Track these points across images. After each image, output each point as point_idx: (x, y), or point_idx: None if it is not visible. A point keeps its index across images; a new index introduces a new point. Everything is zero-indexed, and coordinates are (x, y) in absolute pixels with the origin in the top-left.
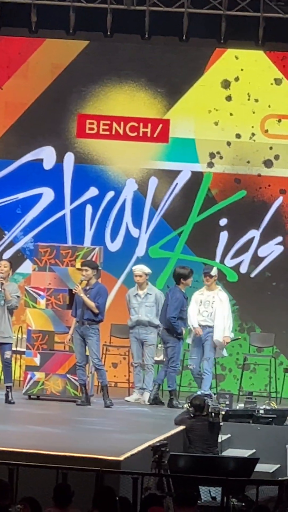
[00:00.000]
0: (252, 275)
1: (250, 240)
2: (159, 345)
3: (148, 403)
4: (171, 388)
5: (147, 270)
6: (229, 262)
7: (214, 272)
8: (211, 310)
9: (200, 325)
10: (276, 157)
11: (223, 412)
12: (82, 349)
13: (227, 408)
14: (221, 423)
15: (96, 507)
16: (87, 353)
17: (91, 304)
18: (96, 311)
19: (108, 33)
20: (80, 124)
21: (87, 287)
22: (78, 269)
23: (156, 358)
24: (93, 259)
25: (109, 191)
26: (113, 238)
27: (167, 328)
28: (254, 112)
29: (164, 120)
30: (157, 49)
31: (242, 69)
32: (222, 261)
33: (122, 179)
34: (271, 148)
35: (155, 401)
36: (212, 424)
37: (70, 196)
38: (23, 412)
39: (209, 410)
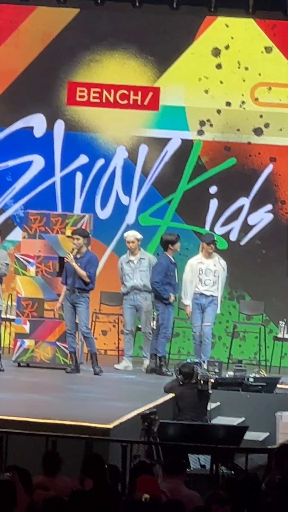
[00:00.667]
0: (242, 243)
1: (240, 208)
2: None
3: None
4: (161, 354)
5: (139, 235)
6: (219, 230)
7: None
8: (214, 278)
9: (203, 294)
10: (266, 125)
11: (213, 380)
12: (72, 317)
13: (217, 376)
14: (210, 391)
15: (84, 475)
16: (77, 320)
17: (82, 273)
18: (87, 280)
19: (99, 1)
20: (70, 91)
21: (78, 256)
22: (69, 237)
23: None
24: (83, 227)
25: (99, 159)
26: (103, 205)
27: (156, 294)
28: (244, 80)
29: (154, 88)
30: (147, 17)
31: (232, 37)
32: (212, 229)
33: (112, 146)
34: (261, 116)
35: (154, 371)
36: (201, 392)
37: (60, 164)
38: (12, 380)
39: (198, 378)
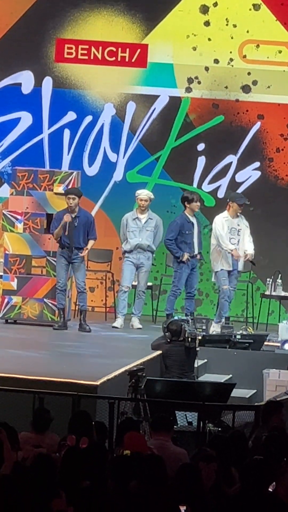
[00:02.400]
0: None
1: (228, 165)
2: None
3: (141, 327)
4: (168, 312)
5: (152, 196)
6: (207, 187)
7: None
8: (238, 237)
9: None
10: (254, 82)
11: (200, 337)
12: (66, 274)
13: (204, 333)
14: (197, 348)
15: (71, 431)
16: (71, 277)
17: (92, 244)
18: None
19: None
20: (58, 48)
21: (73, 215)
22: (62, 194)
23: (148, 283)
24: (71, 184)
25: (87, 116)
26: (90, 162)
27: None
28: (232, 38)
29: (142, 45)
30: None
31: None
32: (199, 186)
33: (100, 103)
34: (249, 73)
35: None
36: (189, 349)
37: (48, 121)
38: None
39: (186, 335)
